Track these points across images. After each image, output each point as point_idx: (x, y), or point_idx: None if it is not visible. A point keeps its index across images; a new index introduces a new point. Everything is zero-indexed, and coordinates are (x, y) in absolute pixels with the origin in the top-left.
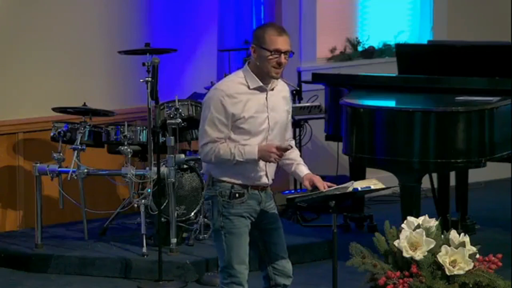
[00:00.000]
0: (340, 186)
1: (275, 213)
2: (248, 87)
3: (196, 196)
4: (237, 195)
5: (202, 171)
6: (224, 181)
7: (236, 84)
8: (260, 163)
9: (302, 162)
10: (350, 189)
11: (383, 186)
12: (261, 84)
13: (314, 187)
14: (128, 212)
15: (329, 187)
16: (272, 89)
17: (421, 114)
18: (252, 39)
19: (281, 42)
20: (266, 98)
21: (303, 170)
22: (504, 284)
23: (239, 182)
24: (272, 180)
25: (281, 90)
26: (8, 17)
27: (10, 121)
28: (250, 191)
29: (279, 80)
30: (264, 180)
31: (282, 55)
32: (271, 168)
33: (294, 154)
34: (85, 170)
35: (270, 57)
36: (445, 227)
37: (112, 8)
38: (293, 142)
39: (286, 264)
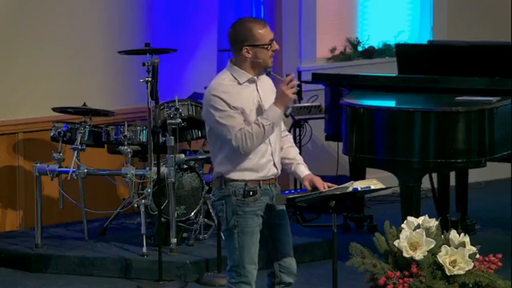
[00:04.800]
0: (340, 186)
1: (283, 210)
2: (238, 82)
3: (196, 196)
4: (251, 193)
5: (212, 175)
6: (237, 180)
7: (227, 82)
8: (267, 152)
9: (302, 161)
10: (350, 189)
11: (383, 186)
12: (250, 75)
13: (314, 188)
14: (128, 212)
15: (329, 187)
16: (259, 79)
17: (421, 114)
18: (236, 42)
19: (269, 31)
20: (257, 89)
21: (303, 170)
22: (504, 284)
23: (251, 178)
24: (281, 170)
25: (265, 81)
26: (8, 17)
27: (10, 121)
28: (262, 186)
29: None
30: (273, 170)
31: (274, 42)
32: (277, 157)
33: (293, 152)
34: (85, 170)
35: (268, 49)
36: (445, 227)
37: (112, 8)
38: (290, 137)
39: (292, 262)
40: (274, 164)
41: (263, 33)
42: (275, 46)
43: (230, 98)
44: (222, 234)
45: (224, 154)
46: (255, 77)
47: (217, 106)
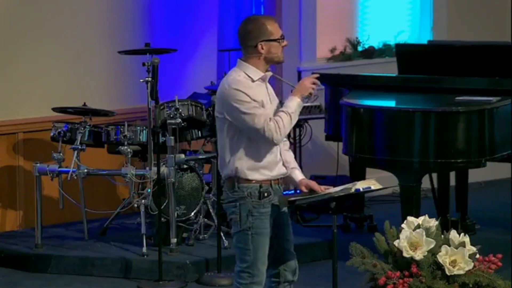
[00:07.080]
0: (342, 187)
1: (287, 209)
2: (252, 80)
3: (196, 196)
4: (265, 194)
5: (223, 176)
6: (251, 181)
7: (242, 79)
8: (278, 151)
9: (296, 166)
10: (353, 190)
11: (382, 187)
12: (263, 73)
13: (311, 191)
14: (128, 212)
15: (325, 189)
16: (266, 81)
17: (421, 114)
18: (250, 39)
19: (279, 27)
20: (266, 88)
21: (298, 175)
22: (504, 284)
23: (265, 178)
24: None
25: (269, 85)
26: (8, 17)
27: (10, 121)
28: (273, 186)
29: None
30: (283, 169)
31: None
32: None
33: (288, 156)
34: (85, 170)
35: (280, 43)
36: (445, 227)
37: (112, 8)
38: (287, 142)
39: (295, 261)
40: (283, 164)
41: (276, 27)
42: (285, 41)
43: (252, 92)
44: (232, 236)
45: (239, 152)
46: (265, 74)
47: (241, 98)
